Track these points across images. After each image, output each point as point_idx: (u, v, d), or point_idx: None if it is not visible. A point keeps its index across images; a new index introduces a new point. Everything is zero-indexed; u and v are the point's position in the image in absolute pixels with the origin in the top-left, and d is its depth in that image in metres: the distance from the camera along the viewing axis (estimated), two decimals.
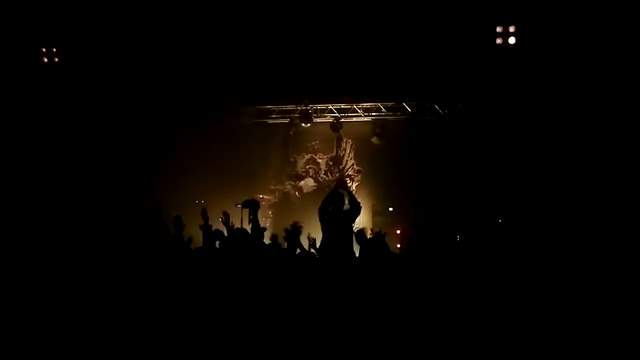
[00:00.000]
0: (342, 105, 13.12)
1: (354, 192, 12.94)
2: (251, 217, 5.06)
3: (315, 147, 13.49)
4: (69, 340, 3.60)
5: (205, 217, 5.67)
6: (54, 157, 9.61)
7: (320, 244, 6.02)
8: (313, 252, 6.51)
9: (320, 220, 5.98)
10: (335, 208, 6.01)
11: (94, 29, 9.26)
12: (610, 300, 3.86)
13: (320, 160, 13.43)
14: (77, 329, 3.67)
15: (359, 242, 5.69)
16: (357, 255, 5.75)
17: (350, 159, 13.37)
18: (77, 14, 8.97)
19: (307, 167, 13.38)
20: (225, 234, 5.43)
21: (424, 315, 3.58)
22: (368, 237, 6.51)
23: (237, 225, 6.37)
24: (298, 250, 6.45)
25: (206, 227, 5.56)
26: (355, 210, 6.15)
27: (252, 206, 5.20)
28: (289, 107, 13.14)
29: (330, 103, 13.10)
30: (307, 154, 13.47)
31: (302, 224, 7.18)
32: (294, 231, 6.69)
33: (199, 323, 3.60)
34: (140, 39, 9.75)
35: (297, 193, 13.25)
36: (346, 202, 6.22)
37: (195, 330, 3.55)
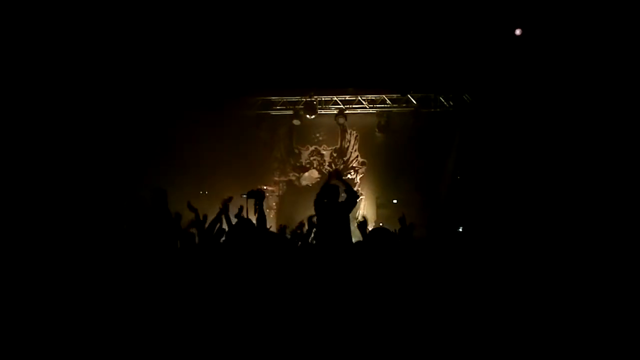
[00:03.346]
0: (347, 97, 13.11)
1: (357, 184, 13.04)
2: (257, 207, 5.04)
3: (320, 139, 13.48)
4: (69, 336, 3.59)
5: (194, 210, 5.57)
6: (56, 147, 9.59)
7: (317, 234, 6.02)
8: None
9: (316, 213, 6.00)
10: (330, 200, 6.02)
11: (98, 18, 9.21)
12: (611, 300, 3.84)
13: (324, 152, 13.42)
14: (78, 324, 3.66)
15: (361, 233, 5.69)
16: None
17: (355, 150, 13.37)
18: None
19: (312, 158, 13.37)
20: (223, 223, 5.38)
21: (425, 307, 3.57)
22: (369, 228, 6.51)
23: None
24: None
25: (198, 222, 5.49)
26: (352, 200, 6.16)
27: (258, 196, 5.18)
28: (294, 99, 13.12)
29: (334, 94, 13.07)
30: (311, 146, 13.46)
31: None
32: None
33: (203, 314, 3.59)
34: (143, 30, 9.70)
35: (302, 184, 13.24)
36: (342, 193, 6.22)
37: (200, 322, 3.54)
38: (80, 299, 3.89)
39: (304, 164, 13.40)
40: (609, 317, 3.65)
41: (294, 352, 3.39)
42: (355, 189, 13.00)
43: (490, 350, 3.45)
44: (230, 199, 5.43)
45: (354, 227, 6.31)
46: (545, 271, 4.30)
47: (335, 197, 6.06)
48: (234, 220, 5.08)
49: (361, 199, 13.02)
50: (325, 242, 5.82)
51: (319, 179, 13.16)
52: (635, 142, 8.02)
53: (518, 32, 9.75)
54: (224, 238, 5.20)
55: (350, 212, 6.15)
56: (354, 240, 6.23)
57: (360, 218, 10.98)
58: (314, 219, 6.31)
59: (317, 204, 5.98)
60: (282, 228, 6.82)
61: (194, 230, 5.47)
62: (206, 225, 5.16)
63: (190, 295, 3.78)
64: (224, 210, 5.33)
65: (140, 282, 4.04)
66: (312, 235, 7.01)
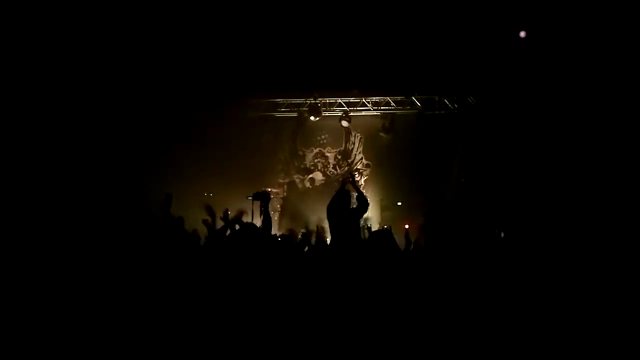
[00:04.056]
0: (351, 99, 13.12)
1: (362, 187, 13.02)
2: (262, 209, 5.02)
3: (324, 141, 13.48)
4: (71, 339, 3.59)
5: (211, 213, 5.49)
6: (59, 149, 9.61)
7: (330, 241, 6.03)
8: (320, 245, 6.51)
9: (328, 219, 6.00)
10: (343, 206, 6.03)
11: (100, 20, 9.24)
12: (611, 301, 3.82)
13: (328, 154, 13.43)
14: (81, 327, 3.66)
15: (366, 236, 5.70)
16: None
17: (359, 152, 13.36)
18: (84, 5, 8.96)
19: (316, 160, 13.38)
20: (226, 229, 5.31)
21: (429, 311, 3.56)
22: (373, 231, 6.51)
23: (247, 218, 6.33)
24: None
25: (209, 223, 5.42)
26: (363, 206, 6.17)
27: (263, 198, 5.16)
28: (298, 101, 13.14)
29: (339, 97, 13.09)
30: (315, 148, 13.47)
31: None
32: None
33: (207, 318, 3.59)
34: (147, 32, 9.73)
35: (307, 185, 13.26)
36: (354, 198, 6.23)
37: (204, 325, 3.54)
38: (80, 300, 3.89)
39: (308, 166, 13.40)
40: (612, 322, 3.64)
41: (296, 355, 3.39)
42: None
43: (493, 352, 3.44)
44: (242, 213, 5.33)
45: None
46: (551, 274, 4.28)
47: (347, 202, 6.08)
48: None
49: None
50: (337, 246, 5.82)
51: (323, 181, 13.18)
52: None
53: (522, 34, 9.74)
54: (227, 242, 5.14)
55: (361, 217, 6.18)
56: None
57: (363, 223, 11.02)
58: (322, 226, 6.33)
59: (330, 210, 5.99)
60: (290, 234, 6.78)
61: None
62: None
63: (193, 299, 3.77)
64: (237, 221, 5.19)
65: (142, 284, 4.03)
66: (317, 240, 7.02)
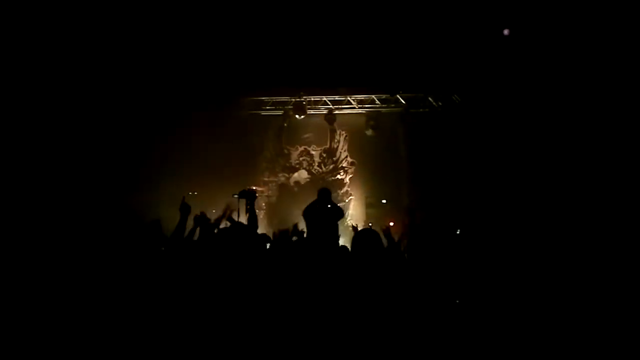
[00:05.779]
0: (336, 97, 13.13)
1: (346, 184, 13.11)
2: (248, 207, 4.99)
3: (309, 139, 13.48)
4: (65, 339, 3.55)
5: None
6: (51, 149, 9.49)
7: (307, 238, 6.04)
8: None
9: (305, 220, 6.01)
10: (321, 205, 6.04)
11: (88, 23, 9.12)
12: (611, 300, 3.86)
13: (313, 152, 13.42)
14: (76, 328, 3.61)
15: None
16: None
17: (344, 151, 13.39)
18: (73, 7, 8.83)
19: (301, 159, 13.36)
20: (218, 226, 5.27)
21: (417, 311, 3.57)
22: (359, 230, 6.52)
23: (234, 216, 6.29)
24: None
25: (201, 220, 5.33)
26: (337, 212, 6.21)
27: (249, 196, 5.13)
28: (283, 99, 13.11)
29: (324, 95, 13.09)
30: (300, 146, 13.45)
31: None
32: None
33: (198, 317, 3.56)
34: (133, 32, 9.62)
35: (293, 184, 13.23)
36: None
37: (196, 325, 3.51)
38: (74, 298, 3.84)
39: (293, 164, 13.38)
40: (609, 318, 3.67)
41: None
42: (344, 189, 13.11)
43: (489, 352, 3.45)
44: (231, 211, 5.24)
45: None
46: (539, 272, 4.32)
47: (326, 203, 6.08)
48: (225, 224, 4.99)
49: (350, 199, 13.06)
50: (315, 246, 5.83)
51: (308, 180, 13.16)
52: (626, 141, 8.08)
53: (506, 32, 9.81)
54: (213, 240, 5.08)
55: (338, 220, 6.19)
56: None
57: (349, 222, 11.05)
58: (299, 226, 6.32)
59: (308, 211, 6.00)
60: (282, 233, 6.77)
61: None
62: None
63: (184, 298, 3.73)
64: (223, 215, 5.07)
65: (135, 283, 3.98)
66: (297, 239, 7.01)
